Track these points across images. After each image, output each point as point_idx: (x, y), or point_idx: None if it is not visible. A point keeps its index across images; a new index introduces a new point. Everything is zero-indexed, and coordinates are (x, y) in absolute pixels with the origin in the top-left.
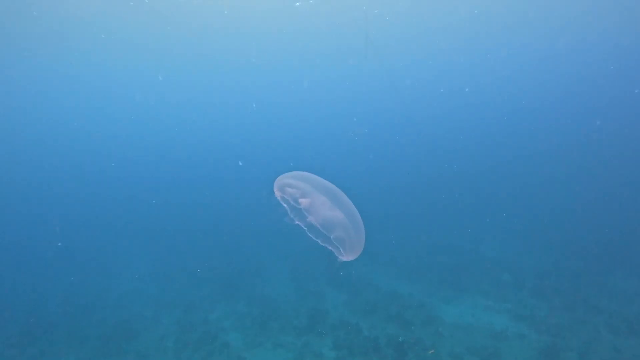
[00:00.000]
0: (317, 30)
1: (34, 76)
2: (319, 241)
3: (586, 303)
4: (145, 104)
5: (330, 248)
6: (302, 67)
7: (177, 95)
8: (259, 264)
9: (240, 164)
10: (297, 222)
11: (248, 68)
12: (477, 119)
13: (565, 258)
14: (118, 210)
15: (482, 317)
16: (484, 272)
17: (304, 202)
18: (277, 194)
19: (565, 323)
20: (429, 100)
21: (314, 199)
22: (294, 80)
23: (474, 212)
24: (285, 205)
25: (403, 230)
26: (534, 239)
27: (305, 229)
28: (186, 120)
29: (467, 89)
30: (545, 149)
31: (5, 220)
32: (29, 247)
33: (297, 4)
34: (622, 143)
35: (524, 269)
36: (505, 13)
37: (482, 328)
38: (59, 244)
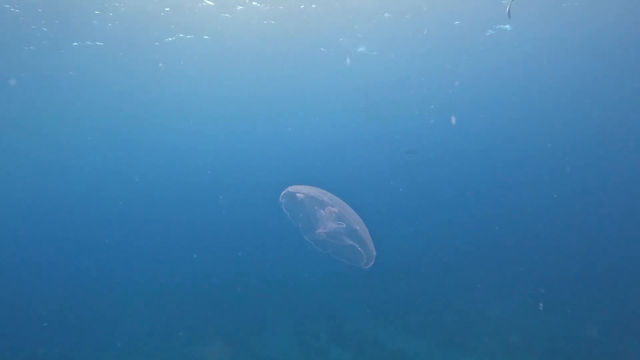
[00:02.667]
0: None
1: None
2: (329, 252)
3: None
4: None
5: (343, 260)
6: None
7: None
8: (261, 318)
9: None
10: (306, 239)
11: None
12: (481, 175)
13: (575, 320)
14: (111, 263)
15: None
16: (491, 333)
17: (330, 210)
18: (283, 200)
19: None
20: (432, 153)
21: (332, 210)
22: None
23: (480, 269)
24: (291, 217)
25: (407, 286)
26: (542, 299)
27: (314, 244)
28: (182, 173)
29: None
30: (557, 205)
31: None
32: (18, 304)
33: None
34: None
35: (533, 330)
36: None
37: None
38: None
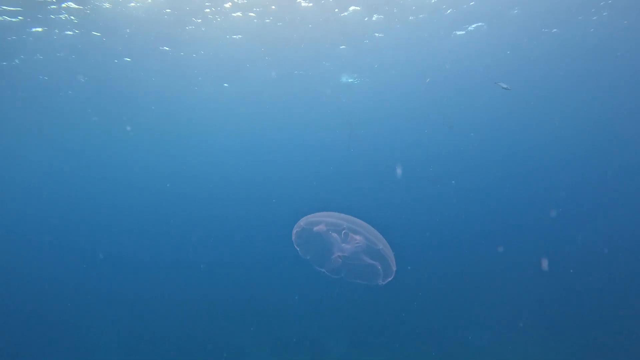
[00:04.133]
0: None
1: None
2: (342, 276)
3: None
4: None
5: (359, 281)
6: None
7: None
8: (239, 349)
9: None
10: (320, 269)
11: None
12: (466, 209)
13: (553, 349)
14: (83, 277)
15: None
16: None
17: (357, 238)
18: (294, 237)
19: None
20: (421, 191)
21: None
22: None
23: (458, 298)
24: (302, 251)
25: (387, 315)
26: (522, 327)
27: (327, 272)
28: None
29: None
30: (539, 229)
31: None
32: None
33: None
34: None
35: (510, 357)
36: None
37: None
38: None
